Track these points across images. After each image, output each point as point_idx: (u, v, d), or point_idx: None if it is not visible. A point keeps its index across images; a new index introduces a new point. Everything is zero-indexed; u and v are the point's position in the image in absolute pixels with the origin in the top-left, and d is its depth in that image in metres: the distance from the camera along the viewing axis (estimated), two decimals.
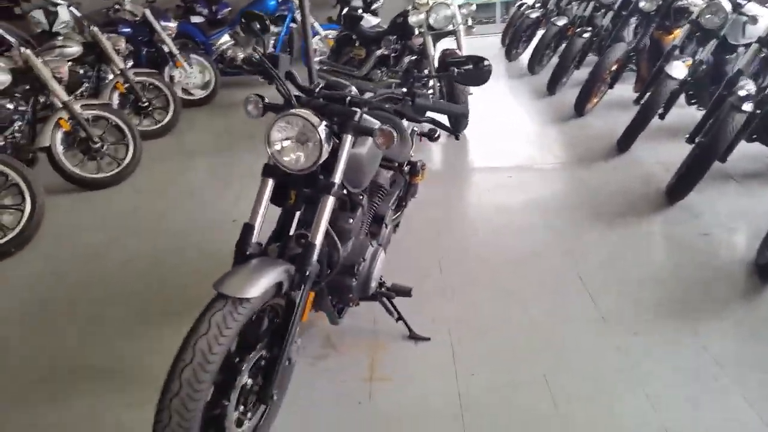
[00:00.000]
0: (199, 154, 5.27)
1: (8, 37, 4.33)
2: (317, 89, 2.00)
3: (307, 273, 1.83)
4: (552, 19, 6.55)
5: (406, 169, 2.91)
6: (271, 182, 1.94)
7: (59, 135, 4.34)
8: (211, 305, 1.63)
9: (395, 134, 1.85)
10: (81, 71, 5.46)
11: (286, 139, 1.83)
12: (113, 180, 4.54)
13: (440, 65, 1.97)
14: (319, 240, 1.86)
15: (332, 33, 7.25)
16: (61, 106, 4.33)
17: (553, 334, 2.54)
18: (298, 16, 7.15)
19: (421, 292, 2.85)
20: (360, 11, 6.45)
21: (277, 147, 1.84)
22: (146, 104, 5.61)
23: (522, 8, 8.03)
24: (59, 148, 4.36)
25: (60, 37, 5.32)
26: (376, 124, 1.97)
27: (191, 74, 6.61)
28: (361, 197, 2.20)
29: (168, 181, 4.58)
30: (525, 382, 2.28)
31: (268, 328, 1.89)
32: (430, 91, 5.27)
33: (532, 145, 4.82)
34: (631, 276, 2.91)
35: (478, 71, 2.09)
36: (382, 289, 2.54)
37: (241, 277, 1.69)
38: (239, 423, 1.80)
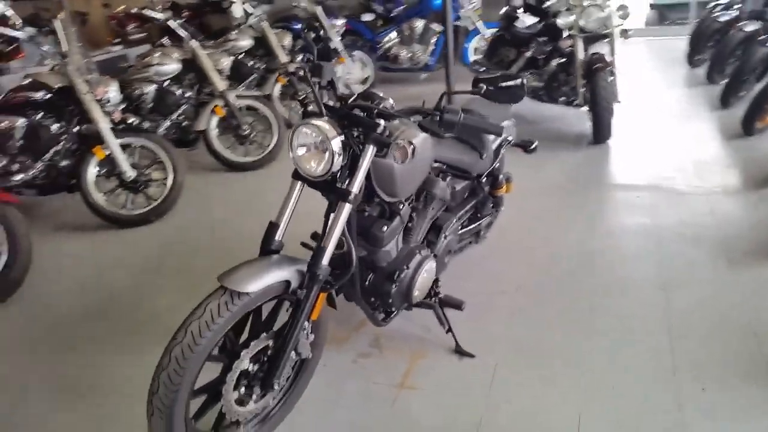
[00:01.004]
0: None
1: (180, 31, 4.91)
2: (351, 99, 2.05)
3: (317, 275, 1.90)
4: (739, 24, 5.81)
5: (484, 180, 2.85)
6: (299, 185, 2.04)
7: (214, 120, 4.86)
8: (213, 293, 1.77)
9: (409, 149, 1.85)
10: (251, 63, 6.04)
11: (304, 146, 1.92)
12: (257, 164, 4.99)
13: (473, 82, 1.92)
14: (331, 244, 1.92)
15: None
16: (218, 94, 4.85)
17: (609, 375, 2.33)
18: (463, 14, 7.16)
19: (488, 308, 2.80)
20: (521, 10, 6.26)
21: (299, 153, 1.93)
22: (303, 97, 6.03)
23: (715, 9, 7.20)
24: (213, 132, 4.88)
25: (235, 32, 5.94)
26: (417, 136, 1.98)
27: (352, 70, 6.95)
28: (401, 206, 2.22)
29: None
30: (555, 421, 2.14)
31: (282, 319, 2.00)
32: (577, 101, 5.02)
33: (678, 164, 4.35)
34: (731, 325, 2.55)
35: (508, 89, 2.00)
36: (432, 299, 2.53)
37: (245, 272, 1.81)
38: (241, 402, 1.93)
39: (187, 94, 5.00)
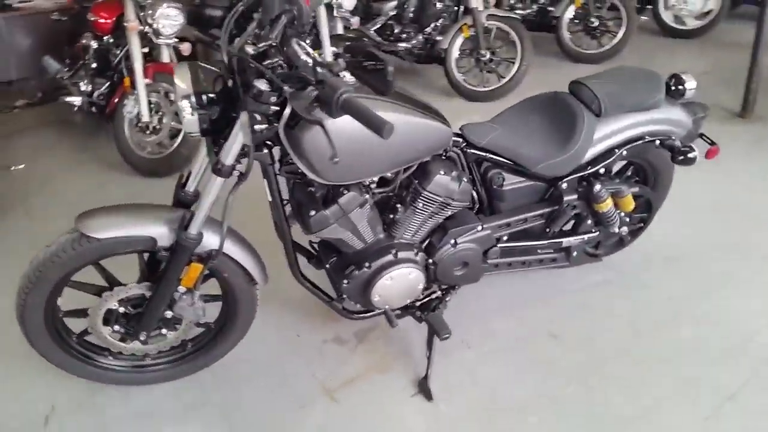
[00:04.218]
0: None
1: None
2: (272, 46, 1.55)
3: (182, 241, 1.69)
4: None
5: (564, 186, 2.06)
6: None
7: (459, 41, 4.47)
8: (70, 229, 1.73)
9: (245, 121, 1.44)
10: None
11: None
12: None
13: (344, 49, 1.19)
14: (199, 214, 1.68)
15: None
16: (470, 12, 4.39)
17: None
18: None
19: (505, 352, 2.15)
20: None
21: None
22: (595, 24, 5.07)
23: None
24: (454, 55, 4.50)
25: None
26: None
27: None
28: (344, 191, 1.74)
29: None
30: None
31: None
32: None
33: None
34: None
35: (372, 72, 1.29)
36: (424, 313, 2.07)
37: (104, 217, 1.71)
38: (122, 339, 1.92)
39: (449, 3, 4.61)
